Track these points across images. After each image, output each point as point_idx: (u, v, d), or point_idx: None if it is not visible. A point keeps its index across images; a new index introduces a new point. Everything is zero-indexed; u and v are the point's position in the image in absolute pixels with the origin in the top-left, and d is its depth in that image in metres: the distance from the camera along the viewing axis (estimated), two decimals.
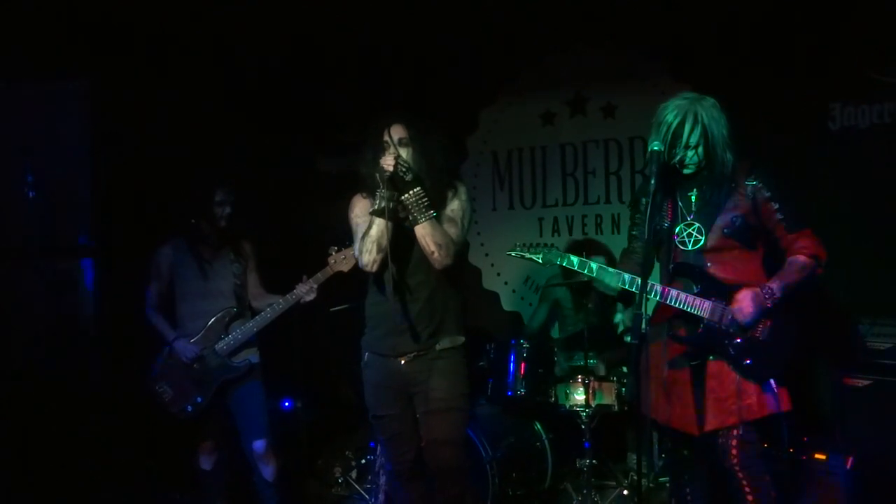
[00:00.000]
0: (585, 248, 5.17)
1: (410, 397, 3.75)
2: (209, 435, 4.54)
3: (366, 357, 3.84)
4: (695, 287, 3.46)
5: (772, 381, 3.37)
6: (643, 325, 3.19)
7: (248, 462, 4.58)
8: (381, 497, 4.65)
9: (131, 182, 4.75)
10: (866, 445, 4.13)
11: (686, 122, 3.35)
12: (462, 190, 3.75)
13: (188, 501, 4.92)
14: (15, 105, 4.43)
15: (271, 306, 4.47)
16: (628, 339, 3.94)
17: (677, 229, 3.54)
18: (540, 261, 3.74)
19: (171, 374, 4.47)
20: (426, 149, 3.59)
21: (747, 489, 3.42)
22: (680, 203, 3.55)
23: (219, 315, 4.51)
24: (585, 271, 3.62)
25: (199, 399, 4.44)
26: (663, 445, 4.45)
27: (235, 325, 4.53)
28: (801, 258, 3.41)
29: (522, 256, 3.78)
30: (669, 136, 3.36)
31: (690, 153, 3.40)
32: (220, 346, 4.46)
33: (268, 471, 4.55)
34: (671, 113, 3.38)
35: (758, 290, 3.36)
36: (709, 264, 3.47)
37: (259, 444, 4.51)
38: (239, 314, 4.58)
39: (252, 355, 4.55)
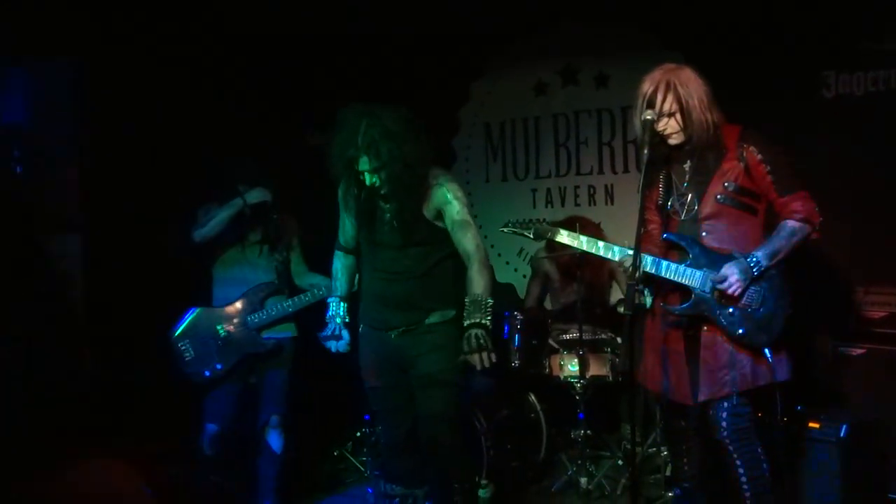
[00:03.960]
0: (578, 223, 5.15)
1: (405, 370, 3.74)
2: (217, 419, 4.41)
3: (360, 328, 3.85)
4: (688, 257, 3.45)
5: (767, 351, 3.37)
6: (637, 297, 3.18)
7: (248, 440, 4.54)
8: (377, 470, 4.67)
9: (120, 158, 4.70)
10: (860, 414, 4.14)
11: (658, 91, 3.36)
12: (446, 183, 3.68)
13: (182, 474, 4.89)
14: (2, 81, 4.38)
15: (312, 291, 4.41)
16: (621, 310, 3.95)
17: (671, 200, 3.53)
18: (531, 237, 3.76)
19: (195, 335, 4.38)
20: (394, 163, 3.52)
21: (738, 462, 3.43)
22: (674, 174, 3.54)
23: (257, 287, 4.43)
24: (576, 245, 3.64)
25: (218, 366, 4.35)
26: (660, 416, 4.46)
27: (272, 300, 4.46)
28: (792, 222, 3.39)
29: (514, 233, 3.81)
30: (644, 106, 3.38)
31: (667, 121, 3.39)
32: (252, 318, 4.38)
33: (277, 443, 4.50)
34: (646, 83, 3.41)
35: (743, 260, 3.35)
36: (704, 233, 3.45)
37: (274, 418, 4.48)
38: (278, 290, 4.50)
39: (288, 330, 4.50)
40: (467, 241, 3.66)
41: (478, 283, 3.60)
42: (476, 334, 3.51)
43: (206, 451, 4.42)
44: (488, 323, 3.54)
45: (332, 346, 3.86)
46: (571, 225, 4.74)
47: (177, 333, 4.40)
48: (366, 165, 3.53)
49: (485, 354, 3.46)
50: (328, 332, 3.84)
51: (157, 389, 4.63)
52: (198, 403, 4.46)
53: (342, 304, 3.89)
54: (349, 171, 3.58)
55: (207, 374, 4.36)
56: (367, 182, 3.58)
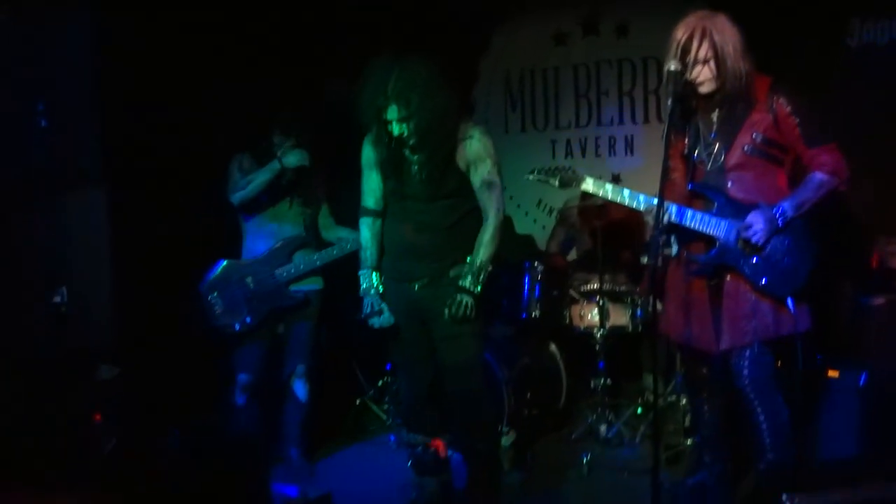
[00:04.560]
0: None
1: (426, 322, 3.78)
2: (249, 369, 4.47)
3: (383, 281, 3.86)
4: (713, 207, 3.45)
5: (789, 301, 3.38)
6: (661, 247, 3.19)
7: (275, 390, 4.60)
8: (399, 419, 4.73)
9: (145, 109, 4.70)
10: (879, 363, 4.15)
11: (694, 37, 3.31)
12: (482, 138, 3.67)
13: (212, 424, 4.96)
14: (22, 35, 4.36)
15: (339, 245, 4.42)
16: (645, 260, 3.98)
17: (697, 149, 3.52)
18: (557, 184, 3.75)
19: (224, 287, 4.41)
20: (423, 113, 3.51)
21: (759, 410, 3.45)
22: (701, 124, 3.52)
23: (287, 240, 4.45)
24: (601, 193, 3.64)
25: (248, 319, 4.39)
26: (681, 364, 4.50)
27: (300, 253, 4.48)
28: (820, 175, 3.37)
29: (539, 180, 3.80)
30: (679, 53, 3.33)
31: (701, 68, 3.36)
32: (281, 272, 4.40)
33: (302, 392, 4.57)
34: (680, 30, 3.36)
35: (768, 209, 3.35)
36: (730, 183, 3.44)
37: (300, 367, 4.55)
38: (305, 243, 4.53)
39: (315, 283, 4.54)
40: (490, 203, 3.67)
41: (486, 249, 3.64)
42: (465, 302, 3.60)
43: (237, 401, 4.49)
44: (478, 291, 3.61)
45: (376, 322, 3.78)
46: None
47: (205, 286, 4.43)
48: (394, 114, 3.52)
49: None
50: (367, 309, 3.78)
51: (184, 342, 4.67)
52: (224, 355, 4.53)
53: (374, 273, 3.80)
54: (378, 120, 3.57)
55: (237, 326, 4.41)
56: (396, 132, 3.57)
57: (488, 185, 3.66)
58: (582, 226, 5.56)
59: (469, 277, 3.61)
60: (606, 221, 4.83)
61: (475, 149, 3.65)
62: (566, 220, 5.66)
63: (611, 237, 4.91)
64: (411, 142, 3.60)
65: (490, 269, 3.64)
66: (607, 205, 4.49)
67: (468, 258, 3.65)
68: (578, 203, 5.33)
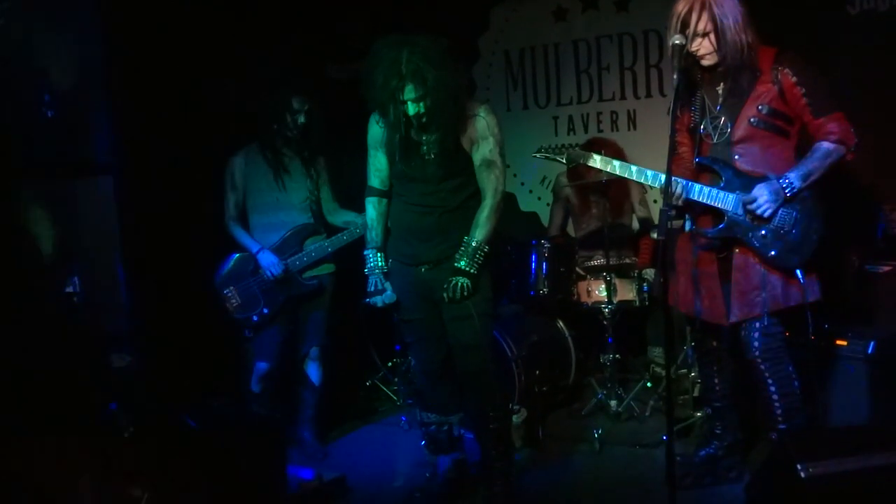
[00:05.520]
0: (595, 145, 5.17)
1: (436, 303, 3.79)
2: (268, 357, 4.49)
3: (389, 263, 3.87)
4: (721, 180, 3.46)
5: (798, 272, 3.40)
6: (669, 222, 3.20)
7: (288, 374, 4.63)
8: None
9: (151, 98, 4.69)
10: (887, 331, 4.17)
11: (693, 10, 3.32)
12: (487, 116, 3.67)
13: (229, 407, 4.98)
14: (28, 24, 4.35)
15: (349, 230, 4.44)
16: (654, 235, 3.98)
17: (703, 123, 3.52)
18: (564, 161, 3.76)
19: (239, 281, 4.44)
20: (437, 91, 3.49)
21: (770, 380, 3.49)
22: (706, 97, 3.52)
23: (296, 229, 4.47)
24: (608, 169, 3.65)
25: (265, 310, 4.42)
26: (692, 336, 4.52)
27: (310, 241, 4.51)
28: (826, 144, 3.37)
29: (546, 158, 3.81)
30: (679, 26, 3.33)
31: (701, 41, 3.36)
32: (293, 261, 4.43)
33: (316, 375, 4.62)
34: (680, 3, 3.36)
35: (775, 181, 3.35)
36: (737, 156, 3.45)
37: (314, 350, 4.59)
38: (315, 230, 4.55)
39: (327, 268, 4.56)
40: (489, 183, 3.67)
41: (482, 229, 3.64)
42: (462, 284, 3.61)
43: (253, 389, 4.52)
44: (475, 271, 3.63)
45: (378, 301, 3.81)
46: (592, 147, 4.81)
47: (220, 280, 4.47)
48: (411, 94, 3.49)
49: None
50: (370, 287, 3.82)
51: (199, 331, 4.69)
52: (236, 342, 4.56)
53: (379, 254, 3.83)
54: (393, 101, 3.53)
55: (255, 318, 4.45)
56: (412, 112, 3.53)
57: (488, 164, 3.66)
58: (577, 200, 5.56)
59: (465, 259, 3.62)
60: (604, 196, 4.85)
61: (480, 126, 3.65)
62: (560, 198, 5.67)
63: (607, 210, 4.92)
64: (424, 120, 3.57)
65: (487, 249, 3.65)
66: (593, 175, 4.49)
67: (466, 238, 3.66)
68: (568, 181, 5.34)
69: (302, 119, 4.43)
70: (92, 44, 4.46)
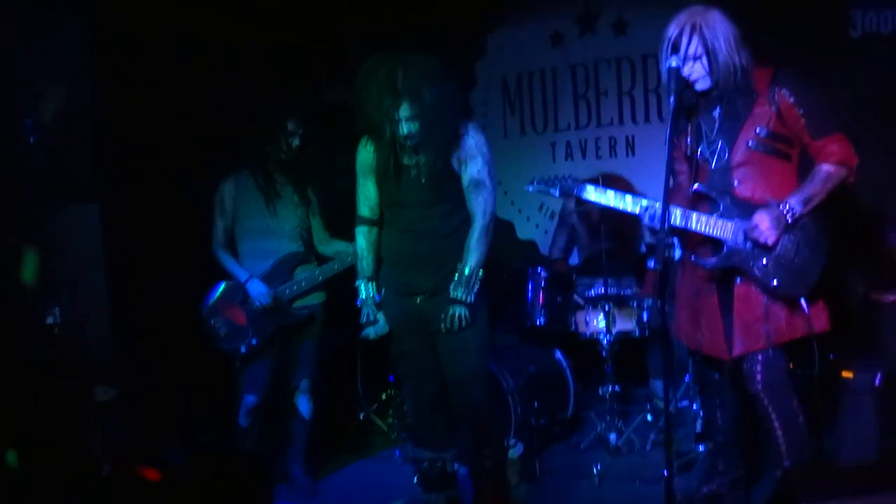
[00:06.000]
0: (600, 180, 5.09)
1: (431, 334, 3.68)
2: (256, 390, 4.37)
3: (382, 293, 3.78)
4: (718, 208, 3.36)
5: (802, 301, 3.29)
6: (667, 250, 3.11)
7: (277, 407, 4.52)
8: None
9: (138, 123, 4.62)
10: (894, 362, 4.06)
11: (684, 34, 3.25)
12: (475, 135, 3.59)
13: (214, 442, 4.88)
14: (11, 44, 4.29)
15: (339, 259, 4.35)
16: (651, 264, 3.90)
17: (700, 149, 3.43)
18: (557, 195, 3.70)
19: (225, 311, 4.33)
20: (433, 109, 3.43)
21: (773, 415, 3.38)
22: (702, 122, 3.43)
23: (286, 257, 4.38)
24: (603, 200, 3.57)
25: (253, 341, 4.31)
26: (693, 369, 4.42)
27: (300, 270, 4.42)
28: (827, 166, 3.27)
29: (539, 191, 3.75)
30: (669, 50, 3.27)
31: (693, 64, 3.28)
32: (283, 290, 4.33)
33: (306, 408, 4.51)
34: (671, 26, 3.30)
35: (776, 207, 3.25)
36: (736, 182, 3.36)
37: (305, 383, 4.48)
38: (304, 258, 4.46)
39: (317, 297, 4.46)
40: (477, 204, 3.58)
41: (474, 254, 3.55)
42: (458, 314, 3.52)
43: (241, 423, 4.40)
44: (472, 300, 3.54)
45: (371, 332, 3.73)
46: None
47: (206, 309, 4.35)
48: (406, 112, 3.41)
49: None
50: (363, 319, 3.74)
51: (185, 362, 4.59)
52: (223, 374, 4.44)
53: (371, 284, 3.75)
54: (387, 119, 3.44)
55: (243, 349, 4.33)
56: (404, 131, 3.45)
57: (476, 184, 3.57)
58: (582, 228, 5.47)
59: (461, 288, 3.53)
60: (606, 222, 4.75)
61: (468, 146, 3.57)
62: (565, 224, 5.58)
63: (612, 238, 4.83)
64: (415, 142, 3.49)
65: (482, 275, 3.56)
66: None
67: (459, 266, 3.57)
68: (576, 208, 5.26)
69: (296, 142, 4.35)
70: (77, 67, 4.40)
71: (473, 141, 3.57)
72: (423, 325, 3.68)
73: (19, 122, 4.29)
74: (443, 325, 3.53)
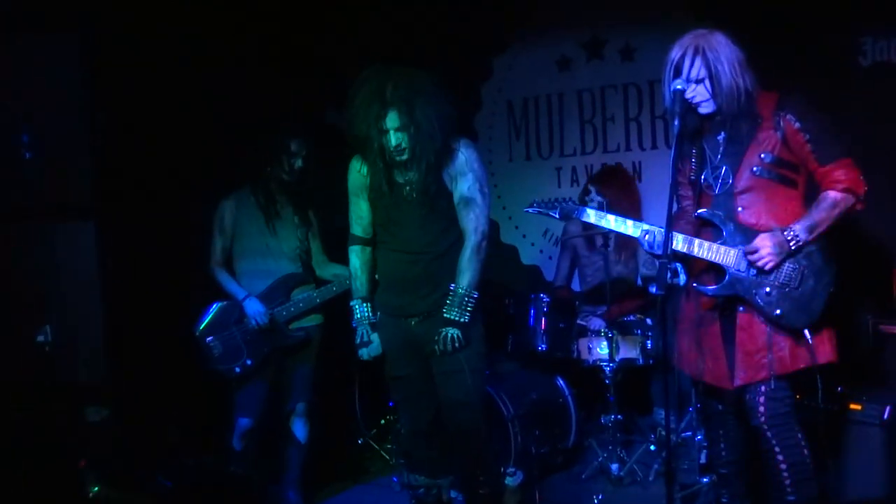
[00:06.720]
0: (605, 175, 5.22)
1: (426, 358, 3.62)
2: (250, 413, 4.32)
3: (377, 316, 3.72)
4: (722, 235, 3.29)
5: (806, 332, 3.21)
6: (669, 276, 3.04)
7: (272, 430, 4.46)
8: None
9: (134, 140, 4.60)
10: None
11: (686, 56, 3.21)
12: (465, 150, 3.54)
13: (206, 465, 4.81)
14: (8, 62, 4.28)
15: (338, 281, 4.32)
16: (653, 290, 3.81)
17: (704, 174, 3.37)
18: (557, 217, 3.64)
19: (221, 330, 4.28)
20: (422, 121, 3.37)
21: (777, 448, 3.30)
22: (706, 146, 3.37)
23: (284, 277, 4.35)
24: (603, 224, 3.50)
25: (248, 362, 4.26)
26: (696, 399, 4.33)
27: (298, 291, 4.38)
28: (833, 193, 3.20)
29: (540, 213, 3.70)
30: (672, 72, 3.23)
31: (695, 87, 3.23)
32: (280, 311, 4.30)
33: (302, 432, 4.46)
34: (674, 49, 3.27)
35: (779, 232, 3.18)
36: (740, 208, 3.29)
37: (301, 406, 4.44)
38: (302, 280, 4.43)
39: (314, 319, 4.43)
40: (468, 221, 3.53)
41: (466, 273, 3.50)
42: (452, 336, 3.47)
43: (235, 446, 4.34)
44: (466, 320, 3.48)
45: (364, 353, 3.68)
46: (602, 180, 4.87)
47: (201, 329, 4.30)
48: (394, 122, 3.36)
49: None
50: (358, 339, 3.69)
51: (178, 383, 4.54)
52: (217, 396, 4.38)
53: (365, 304, 3.70)
54: (376, 130, 3.39)
55: (238, 370, 4.28)
56: (393, 143, 3.40)
57: (467, 201, 3.52)
58: (584, 251, 5.41)
59: (454, 309, 3.47)
60: (610, 250, 4.70)
61: (458, 162, 3.52)
62: (567, 247, 5.52)
63: (616, 267, 4.77)
64: (403, 156, 3.44)
65: (476, 295, 3.50)
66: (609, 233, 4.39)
67: (451, 286, 3.51)
68: (580, 232, 5.21)
69: (299, 163, 4.33)
70: (74, 84, 4.39)
71: (464, 157, 3.51)
72: (418, 348, 3.63)
73: (16, 138, 4.27)
74: (436, 347, 3.47)
